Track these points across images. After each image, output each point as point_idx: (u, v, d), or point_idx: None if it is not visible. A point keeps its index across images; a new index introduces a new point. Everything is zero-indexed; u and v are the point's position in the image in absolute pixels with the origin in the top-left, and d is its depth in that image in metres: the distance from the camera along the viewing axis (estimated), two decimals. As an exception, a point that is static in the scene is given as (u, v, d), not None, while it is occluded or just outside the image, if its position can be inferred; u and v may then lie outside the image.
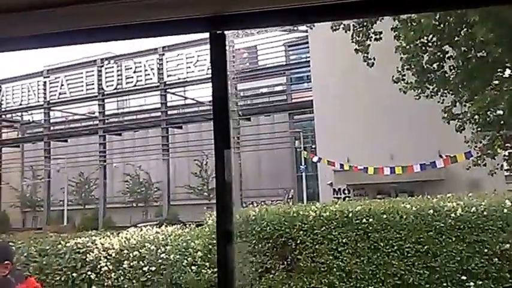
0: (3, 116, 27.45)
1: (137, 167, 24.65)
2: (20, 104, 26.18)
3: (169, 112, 24.59)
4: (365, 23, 14.53)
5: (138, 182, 24.83)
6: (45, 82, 25.48)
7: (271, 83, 25.39)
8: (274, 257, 5.29)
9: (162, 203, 23.46)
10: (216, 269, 4.29)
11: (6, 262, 2.47)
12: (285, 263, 5.32)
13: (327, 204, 6.10)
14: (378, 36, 14.00)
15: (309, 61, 20.36)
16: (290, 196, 22.06)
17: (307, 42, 20.28)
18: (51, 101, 25.62)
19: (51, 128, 26.95)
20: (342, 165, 17.37)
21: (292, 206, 5.93)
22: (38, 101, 25.77)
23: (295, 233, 5.43)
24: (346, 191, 18.78)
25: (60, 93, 25.25)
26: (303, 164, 20.63)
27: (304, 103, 21.04)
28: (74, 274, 5.60)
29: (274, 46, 22.05)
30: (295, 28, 19.16)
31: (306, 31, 19.28)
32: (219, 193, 1.06)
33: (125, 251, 5.59)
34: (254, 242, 5.30)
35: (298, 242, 5.42)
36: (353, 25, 14.69)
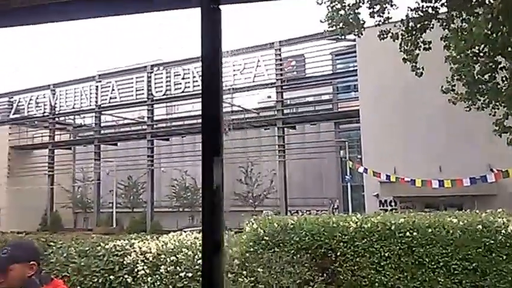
0: (57, 119, 28.59)
1: (183, 172, 25.00)
2: (73, 108, 27.22)
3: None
4: (414, 32, 14.14)
5: (184, 187, 25.16)
6: (97, 86, 26.38)
7: (317, 92, 25.21)
8: (313, 268, 5.10)
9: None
10: (253, 278, 4.31)
11: (31, 263, 2.40)
12: (325, 275, 5.12)
13: (369, 215, 5.83)
14: (427, 46, 13.60)
15: (356, 70, 20.05)
16: (335, 206, 21.72)
17: (354, 51, 20.01)
18: (102, 105, 26.45)
19: (102, 132, 27.80)
20: (388, 177, 16.96)
21: (332, 216, 5.72)
22: (90, 105, 26.68)
23: (335, 244, 5.22)
24: (392, 203, 18.26)
25: (111, 98, 26.05)
26: (348, 174, 20.25)
27: (350, 112, 20.72)
28: (111, 277, 5.49)
29: (321, 55, 21.88)
30: (343, 37, 18.90)
31: (354, 40, 18.99)
32: (206, 202, 0.97)
33: (162, 256, 5.46)
34: (292, 251, 5.11)
35: (338, 253, 5.22)
36: (401, 34, 14.34)
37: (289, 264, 4.99)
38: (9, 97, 28.56)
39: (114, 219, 24.11)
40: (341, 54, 22.57)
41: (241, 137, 24.66)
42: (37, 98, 27.88)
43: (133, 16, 1.00)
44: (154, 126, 26.07)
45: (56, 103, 27.32)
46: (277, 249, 5.06)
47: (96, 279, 5.50)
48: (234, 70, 23.13)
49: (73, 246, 6.11)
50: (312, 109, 24.05)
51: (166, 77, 24.70)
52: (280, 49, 22.63)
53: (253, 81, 22.88)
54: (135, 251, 5.61)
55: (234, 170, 24.02)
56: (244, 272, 4.97)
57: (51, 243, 6.30)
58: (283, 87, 23.37)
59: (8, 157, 27.25)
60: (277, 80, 22.71)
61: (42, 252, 2.78)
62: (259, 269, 4.90)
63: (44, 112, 27.82)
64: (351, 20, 14.42)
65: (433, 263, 5.01)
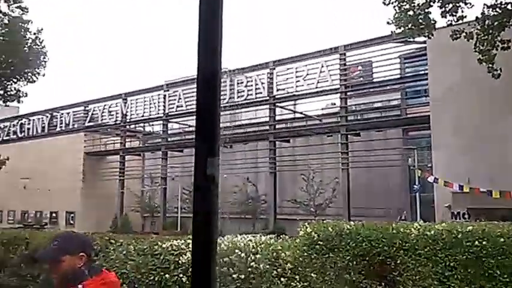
0: (128, 127, 29.82)
1: (245, 178, 25.09)
2: (142, 116, 28.23)
3: (277, 126, 24.73)
4: (491, 31, 13.26)
5: (246, 194, 25.24)
6: (164, 95, 27.22)
7: (385, 98, 24.42)
8: (371, 276, 4.82)
9: (268, 216, 23.52)
10: (306, 283, 4.27)
11: (81, 254, 2.46)
12: (383, 283, 4.84)
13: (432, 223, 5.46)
14: (505, 45, 12.72)
15: (426, 74, 19.12)
16: (403, 217, 20.75)
17: (424, 54, 19.11)
18: (169, 113, 27.22)
19: (169, 139, 28.57)
20: (461, 187, 16.00)
21: (392, 223, 5.39)
22: (158, 113, 27.54)
23: (395, 252, 4.90)
24: (466, 215, 17.11)
25: (177, 106, 26.75)
26: (416, 183, 19.30)
27: (420, 118, 19.75)
28: (167, 275, 5.58)
29: (389, 58, 21.09)
30: (412, 39, 18.13)
31: (424, 42, 18.18)
32: (198, 205, 0.94)
33: (216, 256, 5.49)
34: (348, 258, 4.86)
35: (398, 261, 4.88)
36: (476, 33, 13.52)
37: (345, 271, 4.78)
38: (84, 106, 30.20)
39: (179, 223, 24.61)
40: (410, 58, 21.63)
41: (303, 144, 24.39)
42: (110, 107, 29.26)
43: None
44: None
45: (127, 111, 28.49)
46: (331, 255, 4.86)
47: (152, 277, 5.60)
48: (297, 77, 22.90)
49: (132, 244, 6.24)
50: (378, 115, 23.26)
51: (230, 85, 24.95)
52: (345, 53, 22.12)
53: (317, 87, 22.50)
54: (190, 251, 5.58)
55: (296, 178, 23.76)
56: (297, 277, 4.83)
57: (112, 241, 6.49)
58: (348, 93, 22.86)
59: (82, 163, 28.70)
60: (341, 85, 22.19)
61: (92, 245, 2.82)
62: (312, 274, 4.76)
63: (116, 120, 29.11)
64: (420, 21, 13.81)
65: (505, 276, 4.54)
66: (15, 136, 32.38)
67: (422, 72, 19.90)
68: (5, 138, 31.51)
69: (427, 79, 18.96)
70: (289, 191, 24.55)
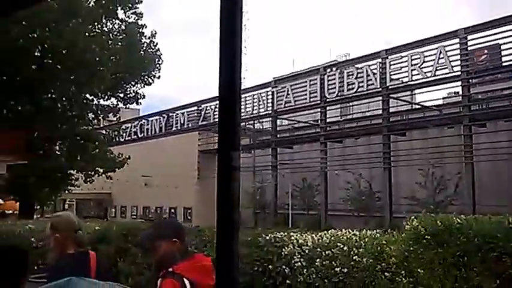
0: (238, 124, 30.41)
1: (358, 175, 24.17)
2: (252, 113, 28.61)
3: (391, 118, 23.39)
4: None
5: (359, 191, 24.31)
6: (273, 92, 27.25)
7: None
8: (484, 273, 4.42)
9: (383, 213, 22.32)
10: (412, 278, 3.89)
11: (174, 240, 2.65)
12: (497, 281, 4.40)
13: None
14: None
15: None
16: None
17: None
18: (277, 110, 27.21)
19: (278, 136, 28.59)
20: None
21: (509, 216, 4.75)
22: (267, 110, 27.68)
23: (512, 248, 4.41)
24: None
25: (285, 102, 26.62)
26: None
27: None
28: (270, 266, 5.71)
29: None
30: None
31: None
32: (222, 201, 1.00)
33: (318, 249, 5.38)
34: (458, 253, 4.49)
35: (516, 258, 4.36)
36: None
37: (455, 267, 4.48)
38: (198, 106, 31.48)
39: (291, 220, 24.47)
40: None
41: (421, 137, 22.75)
42: (221, 106, 30.11)
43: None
44: (327, 128, 25.78)
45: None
46: (440, 250, 4.55)
47: (256, 268, 5.81)
48: (412, 65, 21.37)
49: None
50: (506, 103, 20.81)
51: (339, 78, 24.17)
52: (465, 37, 20.14)
53: (434, 76, 20.78)
54: (292, 243, 5.70)
55: (413, 174, 22.25)
56: (403, 272, 4.65)
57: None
58: (472, 80, 20.81)
59: (197, 160, 29.94)
60: (462, 72, 20.21)
61: (184, 231, 2.88)
62: (419, 270, 4.55)
63: (226, 118, 29.88)
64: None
65: None
66: (135, 136, 34.75)
67: None
68: (126, 138, 33.97)
69: None
70: (405, 188, 23.09)
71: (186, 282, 2.46)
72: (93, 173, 19.71)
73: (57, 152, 19.14)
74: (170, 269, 2.53)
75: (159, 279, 2.54)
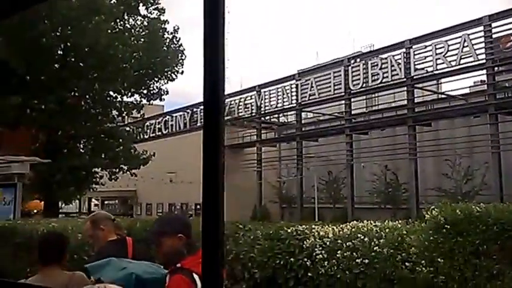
0: (262, 119, 30.39)
1: (383, 166, 23.84)
2: (276, 107, 28.47)
3: (417, 109, 22.97)
4: None
5: (385, 183, 23.98)
6: (297, 85, 27.02)
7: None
8: (503, 262, 4.42)
9: (410, 205, 21.98)
10: (432, 268, 3.96)
11: (179, 235, 2.70)
12: None
13: None
14: None
15: None
16: None
17: None
18: (302, 103, 27.01)
19: (303, 129, 28.41)
20: None
21: None
22: (291, 103, 27.51)
23: (531, 236, 4.40)
24: None
25: (310, 95, 26.40)
26: None
27: None
28: (292, 259, 5.70)
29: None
30: None
31: None
32: (206, 193, 1.01)
33: (339, 241, 5.37)
34: (478, 242, 4.47)
35: (535, 247, 4.38)
36: None
37: (474, 256, 4.49)
38: (222, 101, 31.55)
39: (316, 214, 24.33)
40: None
41: (447, 127, 22.28)
42: (245, 100, 30.09)
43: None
44: (353, 120, 25.49)
45: (261, 103, 29.01)
46: (460, 239, 4.53)
47: (278, 261, 5.80)
48: (437, 54, 20.91)
49: (259, 229, 6.55)
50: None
51: (363, 69, 23.85)
52: (490, 24, 19.62)
53: (459, 64, 20.33)
54: (313, 236, 5.71)
55: (439, 164, 21.80)
56: (423, 262, 4.64)
57: (241, 227, 6.89)
58: (498, 67, 20.24)
59: (222, 155, 30.00)
60: (487, 60, 19.71)
61: (190, 226, 2.91)
62: (439, 259, 4.55)
63: (252, 113, 29.86)
64: None
65: None
66: (160, 133, 34.89)
67: None
68: (151, 135, 34.29)
69: None
70: (432, 179, 22.68)
71: (196, 277, 2.44)
72: (117, 170, 19.93)
73: (81, 150, 19.42)
74: (178, 265, 2.55)
75: (167, 276, 2.58)
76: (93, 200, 39.81)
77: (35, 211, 23.54)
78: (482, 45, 19.81)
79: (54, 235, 3.80)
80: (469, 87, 24.20)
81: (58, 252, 3.15)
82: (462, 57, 20.17)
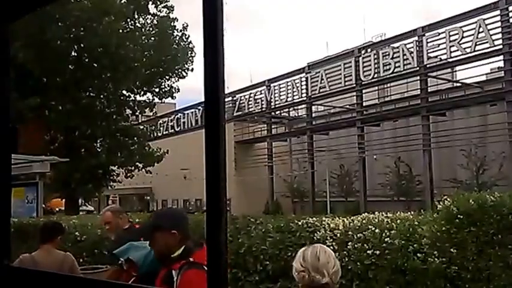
0: (273, 113, 30.39)
1: (396, 158, 23.68)
2: (286, 101, 28.43)
3: (431, 98, 22.65)
4: None
5: (398, 175, 23.82)
6: (306, 78, 26.92)
7: None
8: None
9: (424, 197, 21.80)
10: (445, 258, 3.98)
11: (172, 232, 2.62)
12: None
13: None
14: None
15: None
16: None
17: None
18: (312, 96, 26.91)
19: (313, 122, 28.34)
20: None
21: None
22: (302, 97, 27.45)
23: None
24: None
25: (320, 88, 26.27)
26: None
27: None
28: None
29: None
30: None
31: None
32: (210, 186, 1.04)
33: (350, 233, 5.40)
34: (492, 231, 4.47)
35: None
36: None
37: (488, 245, 4.49)
38: (232, 97, 31.58)
39: (328, 207, 24.30)
40: None
41: (462, 116, 21.98)
42: (255, 95, 30.13)
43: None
44: (364, 112, 25.26)
45: (271, 98, 29.00)
46: (473, 229, 4.53)
47: (289, 253, 5.80)
48: (450, 41, 20.59)
49: (271, 223, 6.61)
50: None
51: (375, 59, 23.63)
52: (507, 8, 19.20)
53: (474, 51, 19.96)
54: (324, 228, 5.74)
55: (454, 155, 21.58)
56: (436, 252, 4.64)
57: (252, 220, 6.96)
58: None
59: (234, 151, 30.12)
60: (504, 45, 19.32)
61: (185, 221, 2.90)
62: (451, 250, 4.55)
63: (262, 108, 29.89)
64: None
65: None
66: (172, 130, 35.25)
67: None
68: (164, 133, 34.56)
69: None
70: (447, 170, 22.46)
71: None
72: (133, 168, 20.19)
73: (98, 149, 19.68)
74: (191, 259, 2.48)
75: (177, 271, 2.49)
76: (111, 197, 40.38)
77: (57, 209, 24.03)
78: (499, 30, 19.39)
79: (49, 223, 5.14)
80: (486, 74, 23.77)
81: (50, 235, 4.24)
82: (477, 43, 19.76)
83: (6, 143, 1.64)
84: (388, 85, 25.23)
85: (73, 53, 17.80)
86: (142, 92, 19.83)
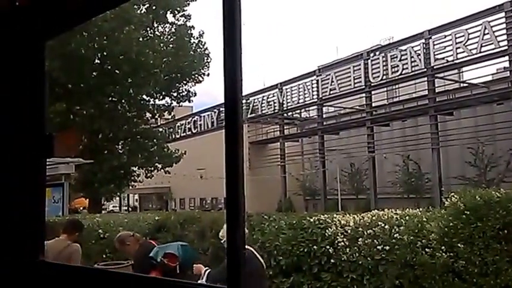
0: (285, 115, 31.09)
1: (405, 157, 24.22)
2: (298, 103, 29.12)
3: (438, 98, 23.20)
4: None
5: (408, 173, 24.36)
6: (317, 80, 27.60)
7: None
8: None
9: (433, 195, 22.35)
10: (452, 253, 4.49)
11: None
12: None
13: None
14: None
15: None
16: None
17: None
18: (323, 98, 27.58)
19: (324, 123, 28.98)
20: None
21: None
22: (313, 98, 28.12)
23: (552, 219, 4.50)
24: None
25: (330, 90, 26.93)
26: None
27: None
28: (315, 247, 5.94)
29: None
30: None
31: None
32: (229, 184, 1.12)
33: (360, 229, 5.67)
34: (498, 226, 4.62)
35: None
36: None
37: (495, 240, 4.61)
38: (246, 99, 32.31)
39: (340, 205, 24.93)
40: None
41: (469, 115, 22.49)
42: (268, 98, 30.86)
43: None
44: (373, 112, 25.87)
45: (283, 100, 29.72)
46: (479, 224, 4.68)
47: (302, 249, 6.08)
48: (457, 43, 21.16)
49: (284, 219, 6.83)
50: None
51: (383, 61, 24.22)
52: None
53: (480, 52, 20.49)
54: (335, 224, 5.96)
55: (462, 153, 22.10)
56: (443, 248, 4.80)
57: (266, 217, 7.22)
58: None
59: (248, 151, 30.87)
60: (509, 46, 19.82)
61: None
62: (459, 245, 4.69)
63: (274, 109, 30.59)
64: None
65: None
66: (190, 132, 36.19)
67: None
68: (182, 135, 35.44)
69: None
70: (455, 168, 22.99)
71: None
72: (152, 168, 21.02)
73: (119, 151, 20.53)
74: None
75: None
76: (132, 195, 41.89)
77: (82, 208, 24.92)
78: (504, 31, 19.86)
79: (73, 220, 6.42)
80: (492, 74, 24.25)
81: (69, 229, 5.20)
82: (483, 45, 20.29)
83: (42, 149, 1.71)
84: (397, 86, 25.78)
85: (96, 61, 18.61)
86: (161, 97, 20.71)
